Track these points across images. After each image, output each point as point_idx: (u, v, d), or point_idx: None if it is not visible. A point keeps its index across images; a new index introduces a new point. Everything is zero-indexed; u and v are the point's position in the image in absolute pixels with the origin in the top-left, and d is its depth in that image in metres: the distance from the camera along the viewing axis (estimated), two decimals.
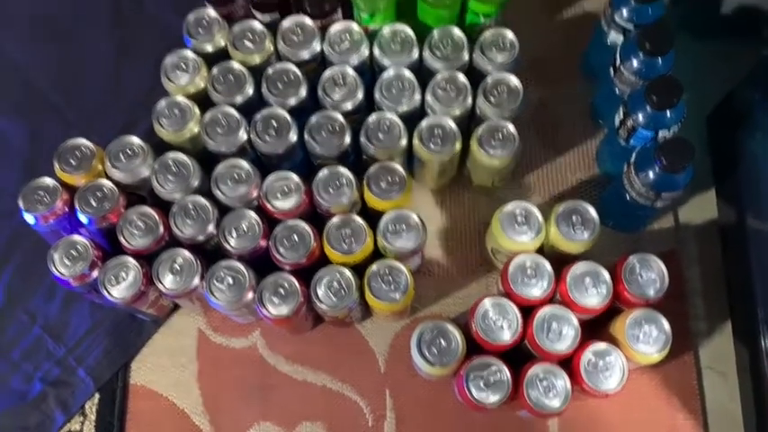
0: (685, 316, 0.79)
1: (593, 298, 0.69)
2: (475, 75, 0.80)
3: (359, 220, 0.72)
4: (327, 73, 0.78)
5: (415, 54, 0.79)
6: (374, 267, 0.70)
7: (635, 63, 0.73)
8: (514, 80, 0.77)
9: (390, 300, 0.70)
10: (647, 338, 0.67)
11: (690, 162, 0.66)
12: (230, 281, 0.70)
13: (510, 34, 0.78)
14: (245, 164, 0.75)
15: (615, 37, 0.78)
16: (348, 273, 0.70)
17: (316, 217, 0.76)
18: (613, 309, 0.71)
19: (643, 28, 0.72)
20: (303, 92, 0.78)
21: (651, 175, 0.68)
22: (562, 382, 0.66)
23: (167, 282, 0.71)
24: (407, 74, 0.78)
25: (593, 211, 0.72)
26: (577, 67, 0.90)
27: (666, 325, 0.68)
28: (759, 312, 0.71)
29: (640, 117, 0.70)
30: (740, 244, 0.77)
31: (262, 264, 0.73)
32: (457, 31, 0.79)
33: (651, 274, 0.69)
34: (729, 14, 0.86)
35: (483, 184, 0.83)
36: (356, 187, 0.74)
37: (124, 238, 0.72)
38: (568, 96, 0.89)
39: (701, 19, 0.89)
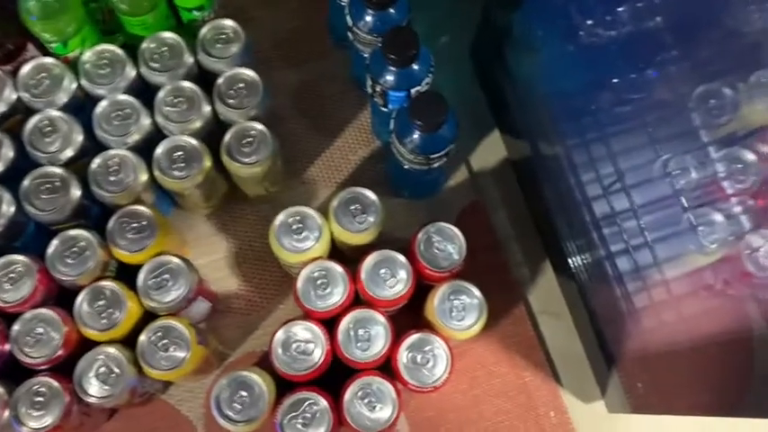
0: (505, 266, 0.74)
1: (395, 287, 0.62)
2: (209, 78, 0.69)
3: (111, 285, 0.61)
4: (30, 123, 0.65)
5: (131, 73, 0.68)
6: (143, 337, 0.60)
7: (366, 19, 0.65)
8: (249, 73, 0.67)
9: (175, 366, 0.59)
10: (460, 313, 0.61)
11: (445, 116, 0.59)
12: None
13: (230, 23, 0.68)
14: None
15: None
16: (114, 351, 0.59)
17: (64, 295, 0.63)
18: (424, 288, 0.65)
19: None
20: (10, 153, 0.65)
21: (413, 139, 0.61)
22: (386, 389, 0.59)
23: None
24: (126, 98, 0.66)
25: (371, 195, 0.64)
26: (328, 38, 0.82)
27: (477, 292, 0.62)
28: (565, 246, 0.67)
29: (386, 78, 0.63)
30: (532, 176, 0.73)
31: (14, 371, 0.60)
32: (170, 35, 0.68)
33: (447, 243, 0.63)
34: None
35: (258, 194, 0.73)
36: (100, 245, 0.62)
37: None
38: (328, 71, 0.81)
39: None
